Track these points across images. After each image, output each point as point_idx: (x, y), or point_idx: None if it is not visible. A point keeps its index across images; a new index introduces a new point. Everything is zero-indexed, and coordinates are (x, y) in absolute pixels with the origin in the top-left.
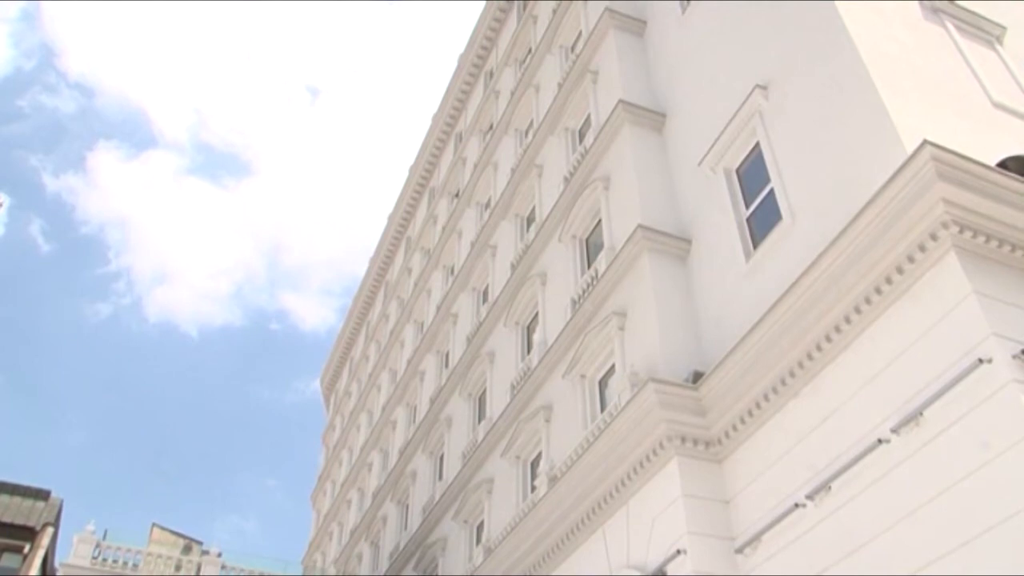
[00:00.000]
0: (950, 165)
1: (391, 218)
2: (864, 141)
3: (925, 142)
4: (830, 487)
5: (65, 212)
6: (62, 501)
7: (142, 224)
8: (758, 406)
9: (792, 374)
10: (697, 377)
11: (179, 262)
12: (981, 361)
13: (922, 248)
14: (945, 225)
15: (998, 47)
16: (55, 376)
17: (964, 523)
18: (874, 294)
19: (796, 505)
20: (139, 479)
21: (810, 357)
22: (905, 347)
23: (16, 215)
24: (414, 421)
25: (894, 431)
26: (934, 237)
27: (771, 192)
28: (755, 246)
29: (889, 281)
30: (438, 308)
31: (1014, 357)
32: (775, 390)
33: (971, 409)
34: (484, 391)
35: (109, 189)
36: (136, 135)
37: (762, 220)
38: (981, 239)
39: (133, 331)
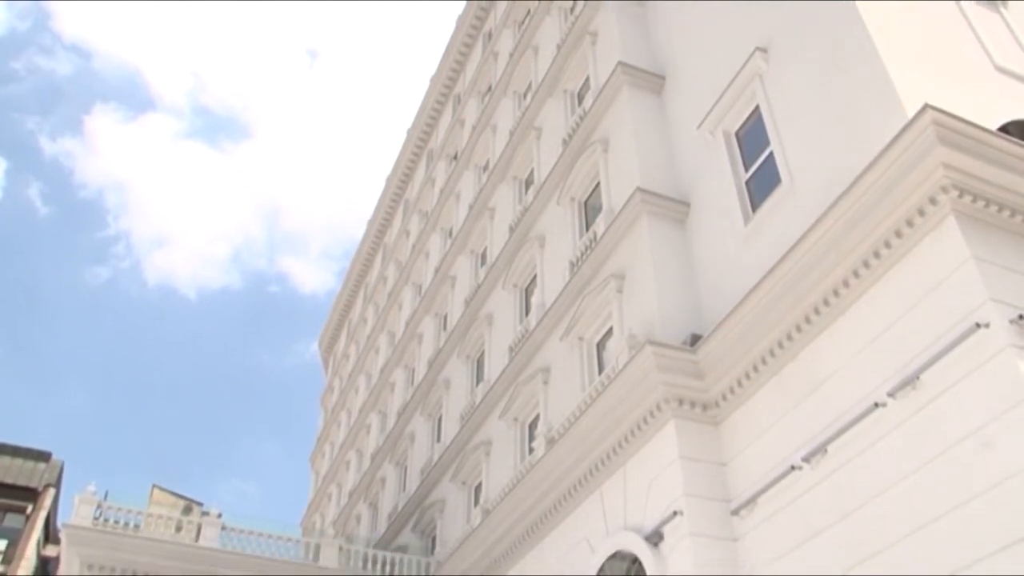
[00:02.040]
0: (951, 129)
1: (389, 181)
2: (865, 104)
3: (926, 106)
4: (826, 450)
5: (63, 175)
6: (63, 463)
7: (140, 188)
8: (755, 369)
9: (790, 338)
10: (695, 340)
11: (178, 226)
12: (979, 326)
13: (921, 212)
14: (945, 190)
15: (1003, 10)
16: (55, 339)
17: (960, 486)
18: (872, 258)
19: (792, 468)
20: (139, 442)
21: (808, 321)
22: (902, 312)
23: (14, 178)
24: (412, 383)
25: (891, 395)
26: (933, 201)
27: (770, 155)
28: (754, 209)
29: (888, 245)
30: (436, 270)
31: (1011, 322)
32: (772, 353)
33: (968, 374)
34: (482, 353)
35: (107, 152)
36: (134, 98)
37: (761, 183)
38: (981, 204)
39: (132, 294)
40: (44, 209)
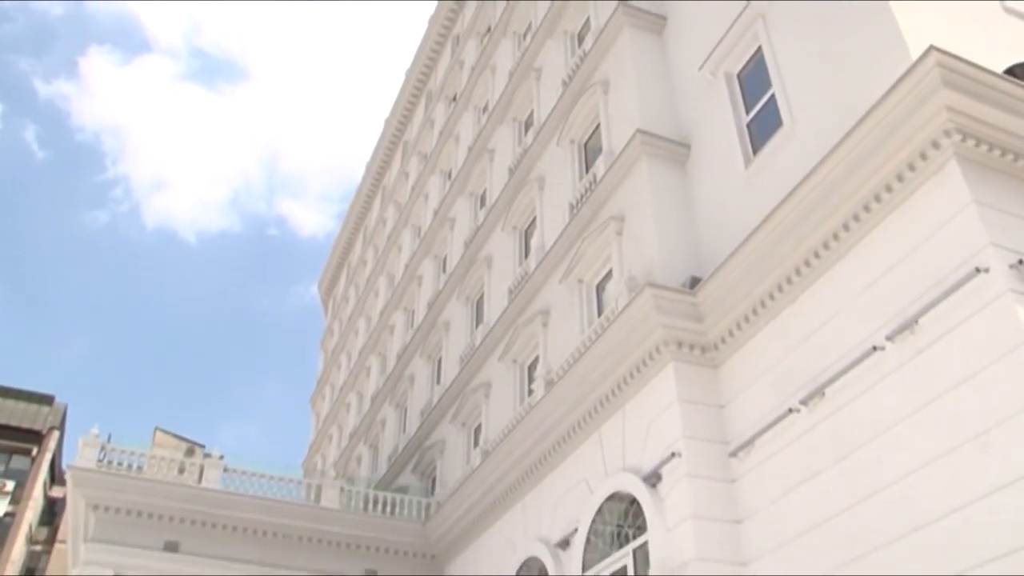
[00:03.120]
0: (956, 72)
1: (388, 122)
2: (869, 46)
3: (931, 48)
4: (824, 393)
5: (59, 118)
6: (66, 406)
7: (138, 131)
8: (755, 312)
9: (789, 281)
10: (694, 283)
11: (176, 169)
12: (978, 270)
13: (923, 156)
14: (948, 133)
15: None
16: (56, 283)
17: (957, 429)
18: (873, 202)
19: (790, 410)
20: (141, 385)
21: (807, 264)
22: (902, 256)
23: (10, 121)
24: (412, 325)
25: (889, 339)
26: (936, 145)
27: (772, 97)
28: (755, 152)
29: (889, 189)
30: (435, 213)
31: (1011, 267)
32: (772, 297)
33: (966, 318)
34: (482, 295)
35: (103, 95)
36: (129, 40)
37: (762, 126)
38: (984, 148)
39: (132, 238)
40: (41, 153)
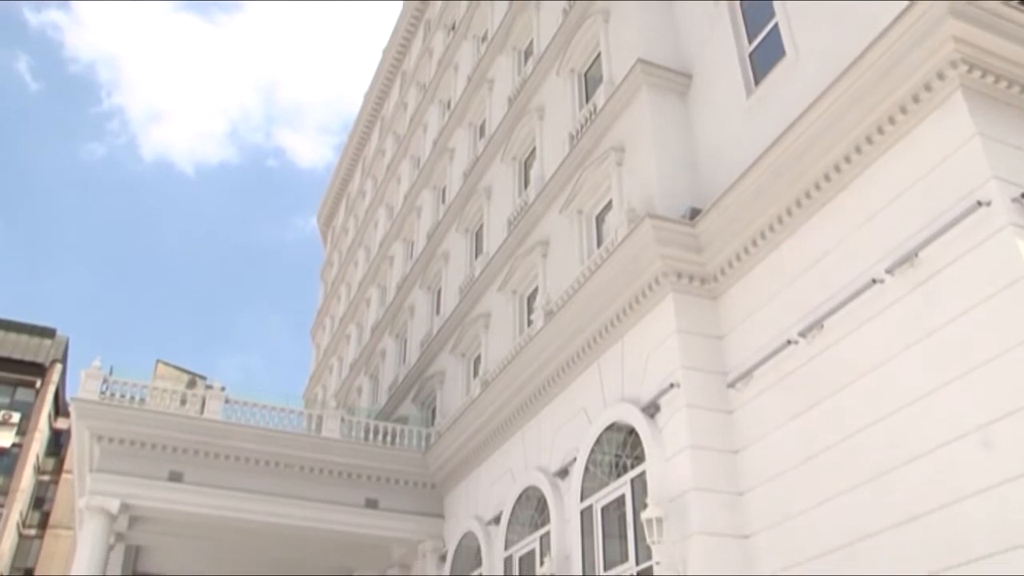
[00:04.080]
0: (963, 1)
1: (386, 52)
2: None
3: None
4: (822, 325)
5: (52, 49)
6: (68, 339)
7: (133, 62)
8: (754, 244)
9: (790, 212)
10: (695, 214)
11: (172, 101)
12: (980, 204)
13: (928, 88)
14: (954, 64)
15: None
16: (55, 216)
17: (955, 361)
18: (876, 134)
19: (788, 342)
20: (142, 318)
21: (808, 196)
22: (904, 189)
23: (1, 52)
24: (411, 256)
25: (889, 272)
26: (941, 76)
27: (775, 27)
28: (757, 82)
29: (892, 121)
30: (435, 143)
31: (1013, 200)
32: (772, 228)
33: (967, 251)
34: (481, 226)
35: (96, 25)
36: None
37: (765, 56)
38: (990, 79)
39: (130, 170)
40: (35, 84)
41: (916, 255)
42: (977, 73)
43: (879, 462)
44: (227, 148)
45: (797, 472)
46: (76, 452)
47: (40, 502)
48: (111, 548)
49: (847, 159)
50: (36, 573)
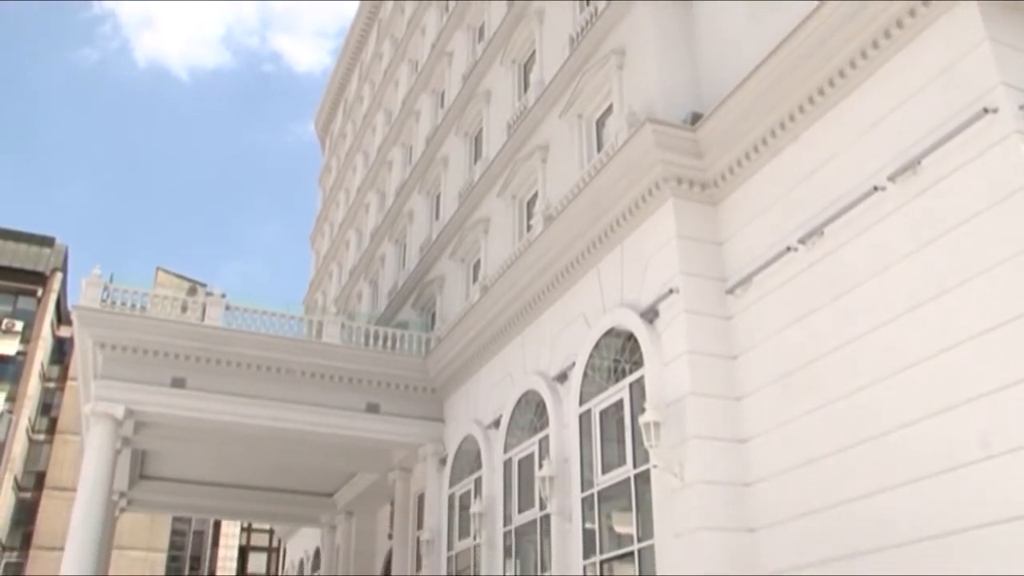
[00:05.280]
0: None
1: None
2: None
3: None
4: (823, 232)
5: None
6: (67, 248)
7: None
8: (756, 150)
9: (792, 118)
10: (696, 118)
11: (165, 4)
12: (986, 111)
13: None
14: None
15: None
16: (50, 124)
17: (956, 269)
18: (882, 38)
19: (788, 248)
20: (141, 226)
21: (811, 102)
22: (909, 95)
23: None
24: (410, 161)
25: (891, 179)
26: None
27: None
28: None
29: (900, 25)
30: (433, 46)
31: (1021, 107)
32: (774, 134)
33: (971, 159)
34: (480, 130)
35: None
36: None
37: None
38: None
39: (124, 76)
40: None
41: (919, 163)
42: None
43: (878, 368)
44: (222, 53)
45: (795, 378)
46: (80, 359)
47: (47, 408)
48: (118, 453)
49: (852, 64)
50: (47, 476)
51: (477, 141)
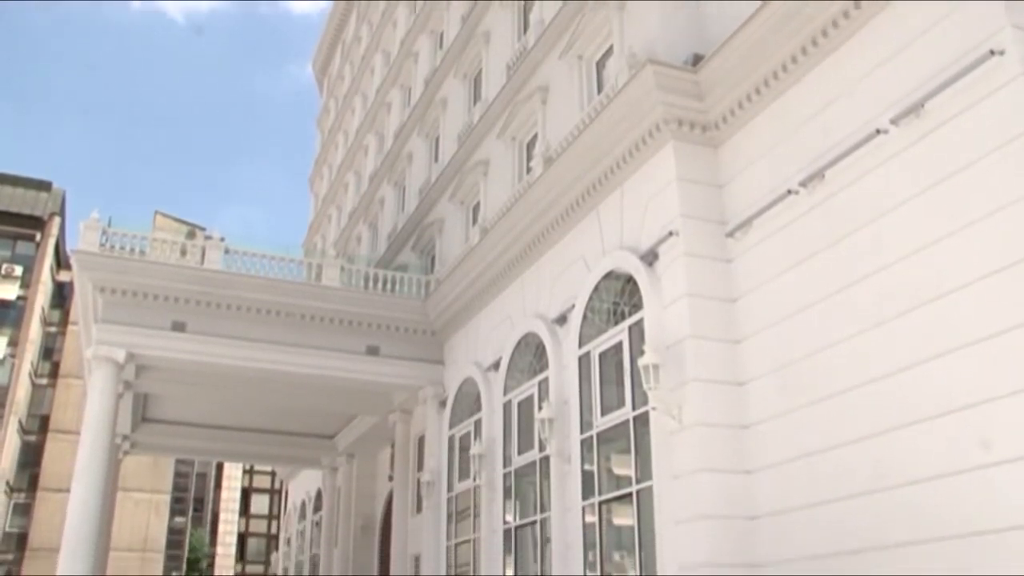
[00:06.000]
0: None
1: None
2: None
3: None
4: (824, 175)
5: None
6: (64, 192)
7: None
8: (757, 92)
9: (795, 60)
10: (697, 60)
11: None
12: (992, 53)
13: None
14: None
15: None
16: (44, 69)
17: (957, 213)
18: None
19: (789, 192)
20: (138, 170)
21: (814, 44)
22: (913, 37)
23: None
24: (409, 103)
25: (893, 122)
26: None
27: None
28: None
29: None
30: None
31: None
32: (776, 76)
33: (976, 102)
34: (480, 72)
35: None
36: None
37: None
38: None
39: (117, 19)
40: None
41: (923, 105)
42: None
43: (878, 311)
44: None
45: (794, 321)
46: (80, 304)
47: (49, 353)
48: (120, 396)
49: (856, 5)
50: (51, 420)
51: (476, 82)
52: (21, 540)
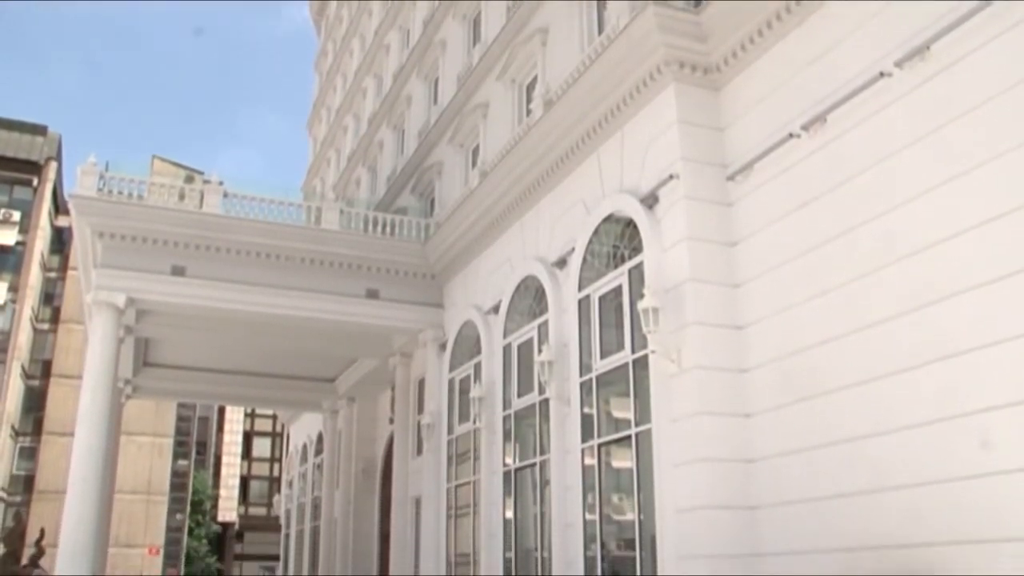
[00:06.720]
0: None
1: None
2: None
3: None
4: (826, 119)
5: None
6: (60, 136)
7: None
8: (760, 34)
9: (798, 2)
10: (699, 1)
11: None
12: None
13: None
14: None
15: None
16: (39, 15)
17: (960, 158)
18: None
19: (790, 135)
20: (134, 115)
21: None
22: None
23: None
24: (408, 44)
25: (898, 65)
26: None
27: None
28: None
29: None
30: None
31: None
32: (779, 18)
33: (982, 45)
34: (479, 12)
35: None
36: None
37: None
38: None
39: None
40: None
41: (928, 48)
42: None
43: (877, 256)
44: None
45: (794, 265)
46: (79, 249)
47: (50, 298)
48: (121, 341)
49: None
50: (53, 364)
51: (475, 24)
52: (28, 482)
